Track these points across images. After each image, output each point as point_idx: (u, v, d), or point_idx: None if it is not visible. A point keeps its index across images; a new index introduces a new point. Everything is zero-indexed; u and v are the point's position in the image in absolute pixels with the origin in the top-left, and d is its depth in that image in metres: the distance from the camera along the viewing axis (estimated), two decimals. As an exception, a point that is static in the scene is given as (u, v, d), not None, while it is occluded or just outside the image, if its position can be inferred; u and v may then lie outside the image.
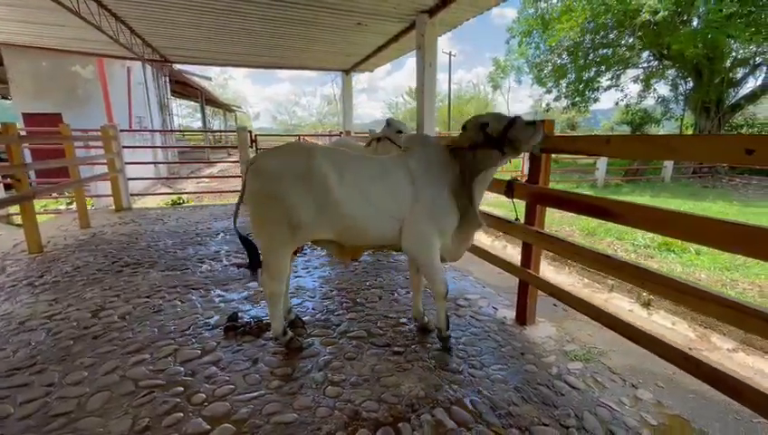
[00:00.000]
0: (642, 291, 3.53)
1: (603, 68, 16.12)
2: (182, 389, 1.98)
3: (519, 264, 2.69)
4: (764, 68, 13.16)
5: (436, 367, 2.20)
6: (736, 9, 10.03)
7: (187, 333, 2.55)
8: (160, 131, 11.42)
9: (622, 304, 3.68)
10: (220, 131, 25.85)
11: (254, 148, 7.54)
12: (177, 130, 17.55)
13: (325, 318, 2.77)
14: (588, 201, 2.04)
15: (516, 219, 2.66)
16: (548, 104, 20.04)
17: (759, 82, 13.46)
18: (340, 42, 5.76)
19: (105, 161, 6.35)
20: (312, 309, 2.92)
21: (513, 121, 1.99)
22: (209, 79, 16.36)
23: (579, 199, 2.12)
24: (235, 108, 33.18)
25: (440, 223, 2.15)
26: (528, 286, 2.63)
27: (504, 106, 44.37)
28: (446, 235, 2.20)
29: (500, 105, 42.26)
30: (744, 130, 14.95)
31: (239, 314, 2.75)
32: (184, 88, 17.68)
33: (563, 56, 16.48)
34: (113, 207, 6.70)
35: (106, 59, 8.15)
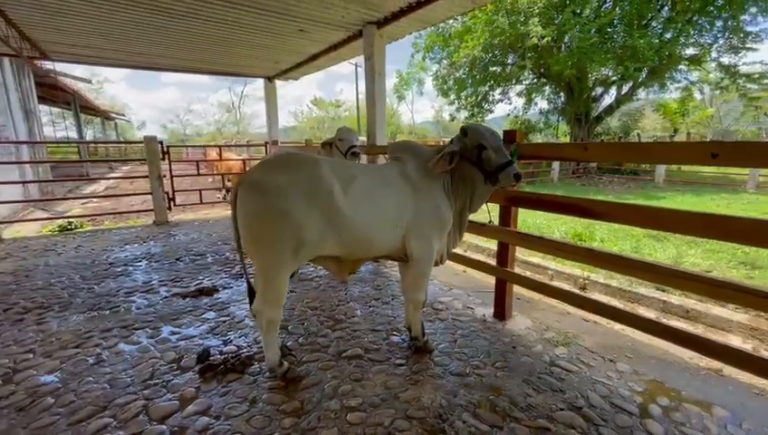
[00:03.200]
0: (579, 277, 4.06)
1: (494, 83, 18.21)
2: (176, 451, 1.65)
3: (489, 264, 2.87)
4: (615, 87, 16.30)
5: (444, 373, 2.22)
6: (596, 39, 12.34)
7: (152, 382, 2.13)
8: (29, 143, 9.34)
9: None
10: (117, 143, 22.20)
11: (167, 160, 6.68)
12: (53, 142, 14.67)
13: (311, 341, 2.58)
14: (568, 202, 2.28)
15: (490, 222, 2.83)
16: (451, 114, 21.80)
17: (612, 99, 16.66)
18: (273, 47, 5.41)
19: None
20: (292, 333, 2.69)
21: (509, 164, 2.06)
22: (88, 82, 13.95)
23: (558, 200, 2.35)
24: (115, 115, 28.93)
25: (441, 228, 2.21)
26: (506, 284, 2.81)
27: (409, 115, 46.95)
28: (444, 238, 2.27)
29: (404, 114, 44.64)
30: (603, 138, 18.29)
31: (210, 351, 2.40)
32: (51, 92, 14.78)
33: (461, 71, 18.14)
34: (-26, 239, 5.27)
35: (-52, 52, 6.36)
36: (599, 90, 16.50)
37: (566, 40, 13.79)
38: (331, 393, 2.02)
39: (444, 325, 2.81)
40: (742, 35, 13.52)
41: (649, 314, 3.44)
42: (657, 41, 12.76)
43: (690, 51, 14.41)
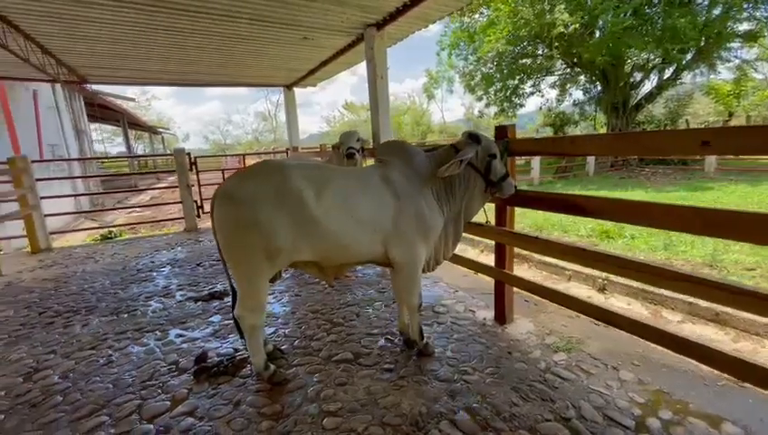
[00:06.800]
0: (598, 278, 3.82)
1: (525, 76, 17.56)
2: (157, 450, 1.73)
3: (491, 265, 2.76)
4: (656, 72, 15.20)
5: (431, 379, 2.16)
6: (631, 22, 11.55)
7: (150, 383, 2.25)
8: (78, 160, 10.22)
9: (581, 291, 3.94)
10: (150, 156, 23.90)
11: (195, 170, 7.05)
12: (98, 158, 15.95)
13: (305, 344, 2.61)
14: (561, 199, 2.15)
15: (486, 222, 2.73)
16: (480, 111, 21.29)
17: (653, 84, 15.56)
18: (283, 56, 5.59)
19: (15, 198, 5.53)
20: (289, 336, 2.74)
21: (508, 175, 2.27)
22: (132, 100, 15.06)
23: (552, 198, 2.23)
24: (161, 130, 30.96)
25: (426, 235, 2.15)
26: (504, 286, 2.69)
27: (439, 114, 46.55)
28: (431, 244, 2.22)
29: (435, 113, 44.26)
30: (645, 127, 17.10)
31: (208, 354, 2.50)
32: (102, 111, 16.13)
33: (488, 66, 17.66)
34: (29, 249, 5.84)
35: (7, 82, 7.14)
36: (637, 76, 15.45)
37: (599, 25, 13.05)
38: (312, 397, 2.04)
39: (441, 329, 2.75)
40: (805, 5, 12.12)
41: (675, 317, 3.17)
42: (701, 18, 11.73)
43: (744, 26, 13.13)
